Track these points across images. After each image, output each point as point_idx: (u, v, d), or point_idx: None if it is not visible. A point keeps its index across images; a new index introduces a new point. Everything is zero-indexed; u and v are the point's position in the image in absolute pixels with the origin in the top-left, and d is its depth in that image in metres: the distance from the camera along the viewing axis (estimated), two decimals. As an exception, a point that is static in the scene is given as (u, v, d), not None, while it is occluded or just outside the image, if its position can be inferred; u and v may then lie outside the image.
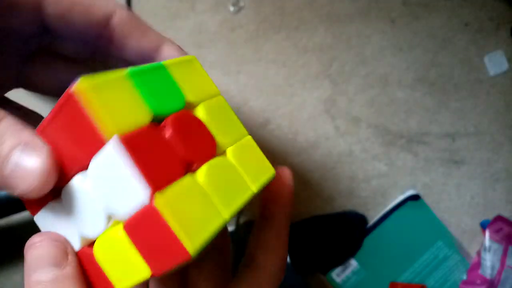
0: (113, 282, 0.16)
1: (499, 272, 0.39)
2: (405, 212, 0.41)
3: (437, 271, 0.41)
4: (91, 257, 0.16)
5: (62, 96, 0.15)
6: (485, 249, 0.40)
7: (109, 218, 0.15)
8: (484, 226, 0.41)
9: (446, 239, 0.42)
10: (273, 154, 0.42)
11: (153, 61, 0.22)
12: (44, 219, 0.17)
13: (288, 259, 0.37)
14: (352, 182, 0.42)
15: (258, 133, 0.42)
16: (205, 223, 0.15)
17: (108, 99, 0.15)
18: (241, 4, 0.43)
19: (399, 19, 0.44)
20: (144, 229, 0.14)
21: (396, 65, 0.43)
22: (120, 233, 0.15)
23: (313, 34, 0.43)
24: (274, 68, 0.43)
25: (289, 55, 0.43)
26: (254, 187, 0.18)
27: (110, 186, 0.14)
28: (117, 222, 0.15)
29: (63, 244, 0.16)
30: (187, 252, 0.14)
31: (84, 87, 0.14)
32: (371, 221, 0.42)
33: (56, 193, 0.16)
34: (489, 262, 0.39)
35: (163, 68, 0.18)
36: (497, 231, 0.40)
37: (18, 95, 0.25)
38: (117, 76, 0.16)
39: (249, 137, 0.20)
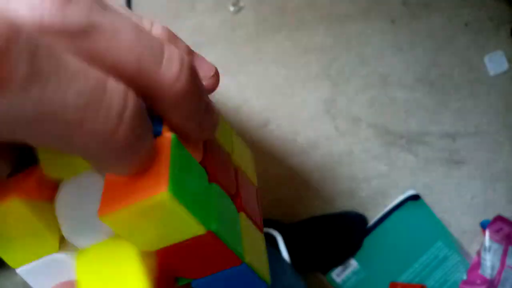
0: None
1: (499, 272, 0.39)
2: (405, 212, 0.41)
3: (437, 271, 0.41)
4: None
5: None
6: (485, 249, 0.40)
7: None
8: (484, 226, 0.41)
9: (446, 239, 0.42)
10: (273, 154, 0.42)
11: None
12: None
13: (288, 259, 0.37)
14: (352, 182, 0.42)
15: (258, 133, 0.42)
16: None
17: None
18: (241, 4, 0.43)
19: (399, 19, 0.44)
20: None
21: (396, 65, 0.43)
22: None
23: (313, 34, 0.43)
24: (274, 68, 0.43)
25: (289, 55, 0.43)
26: None
27: None
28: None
29: None
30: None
31: None
32: (371, 221, 0.42)
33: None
34: (489, 262, 0.39)
35: None
36: (497, 231, 0.40)
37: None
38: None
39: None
